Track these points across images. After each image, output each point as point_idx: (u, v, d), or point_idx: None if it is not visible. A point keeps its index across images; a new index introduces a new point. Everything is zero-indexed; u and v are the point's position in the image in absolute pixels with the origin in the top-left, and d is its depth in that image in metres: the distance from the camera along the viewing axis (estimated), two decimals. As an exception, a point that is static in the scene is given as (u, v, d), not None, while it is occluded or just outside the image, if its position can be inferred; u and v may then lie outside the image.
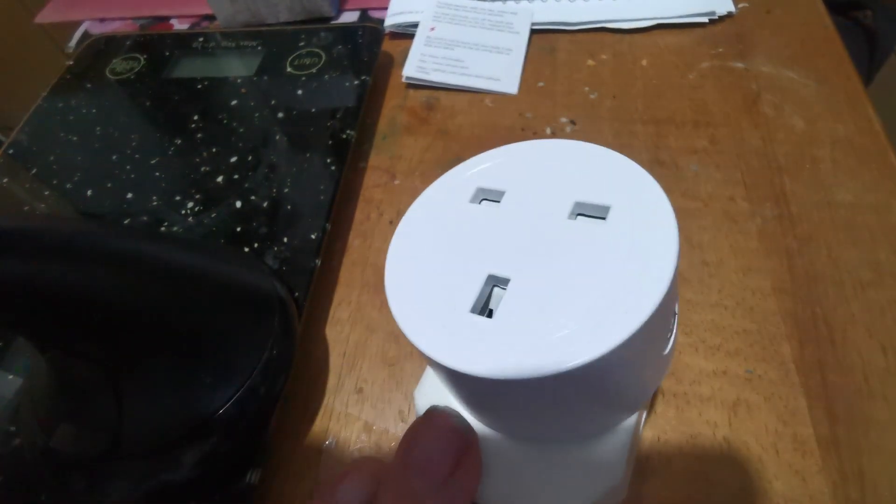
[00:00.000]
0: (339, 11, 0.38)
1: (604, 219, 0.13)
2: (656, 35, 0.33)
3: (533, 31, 0.34)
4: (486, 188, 0.15)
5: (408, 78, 0.33)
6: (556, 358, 0.11)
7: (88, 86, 0.34)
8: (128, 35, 0.37)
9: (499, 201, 0.15)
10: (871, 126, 0.27)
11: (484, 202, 0.15)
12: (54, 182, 0.30)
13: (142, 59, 0.35)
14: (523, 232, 0.14)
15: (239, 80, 0.32)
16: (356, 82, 0.31)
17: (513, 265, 0.13)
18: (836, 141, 0.26)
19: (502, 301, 0.13)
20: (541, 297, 0.12)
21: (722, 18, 0.33)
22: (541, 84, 0.32)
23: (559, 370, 0.11)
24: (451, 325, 0.13)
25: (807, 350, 0.21)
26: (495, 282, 0.13)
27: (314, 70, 0.32)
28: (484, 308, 0.13)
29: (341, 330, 0.24)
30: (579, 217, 0.14)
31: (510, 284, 0.13)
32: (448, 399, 0.16)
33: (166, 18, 0.41)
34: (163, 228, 0.26)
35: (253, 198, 0.27)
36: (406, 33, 0.35)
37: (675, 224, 0.12)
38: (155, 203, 0.27)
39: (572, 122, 0.29)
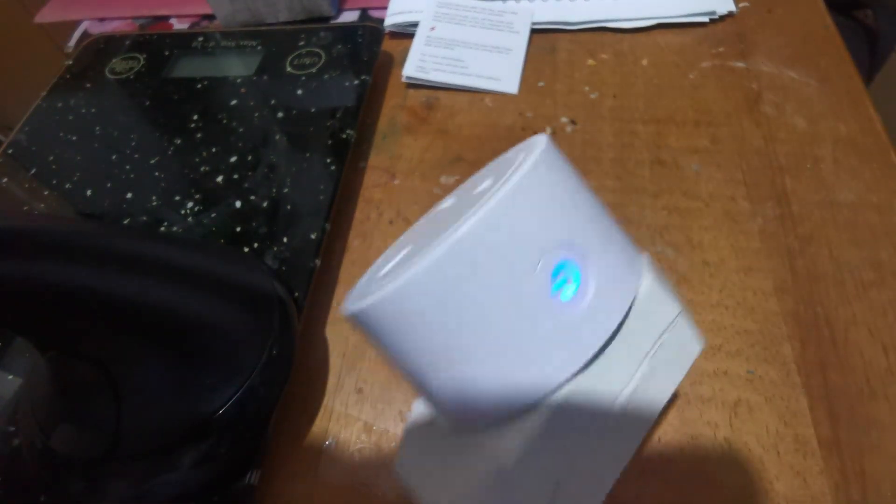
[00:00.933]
0: (339, 11, 0.38)
1: None
2: (657, 34, 0.33)
3: (533, 31, 0.34)
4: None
5: (408, 77, 0.32)
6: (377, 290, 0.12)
7: (88, 85, 0.34)
8: (127, 35, 0.37)
9: None
10: (873, 125, 0.27)
11: None
12: (54, 182, 0.30)
13: (141, 58, 0.35)
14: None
15: (238, 80, 0.32)
16: (356, 82, 0.31)
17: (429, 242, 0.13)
18: (838, 140, 0.26)
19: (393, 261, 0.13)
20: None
21: (723, 18, 0.33)
22: (541, 84, 0.31)
23: (371, 301, 0.12)
24: (364, 288, 0.13)
25: (808, 350, 0.21)
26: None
27: (314, 70, 0.32)
28: None
29: (341, 330, 0.24)
30: None
31: (407, 252, 0.13)
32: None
33: (166, 18, 0.41)
34: (162, 228, 0.26)
35: (252, 198, 0.27)
36: (406, 33, 0.35)
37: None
38: (154, 203, 0.27)
39: (573, 122, 0.29)
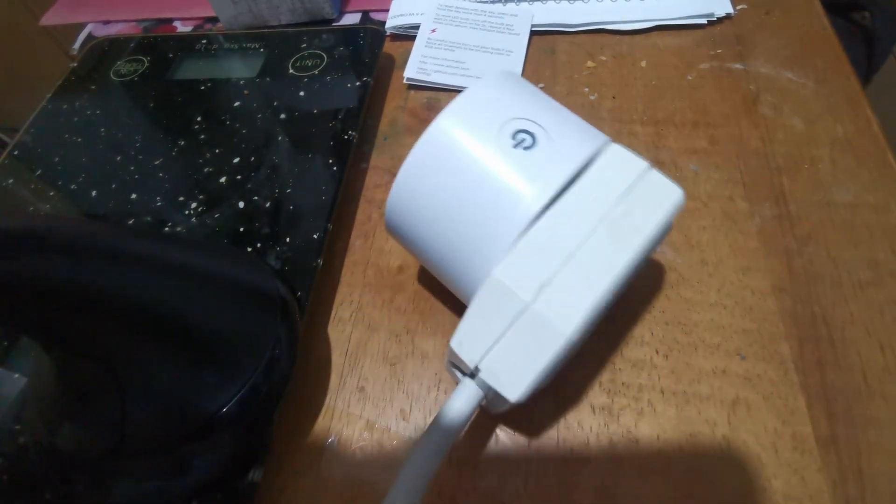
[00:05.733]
0: (341, 13, 0.39)
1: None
2: (655, 36, 0.33)
3: (533, 33, 0.34)
4: None
5: (409, 79, 0.33)
6: None
7: (92, 87, 0.35)
8: (131, 37, 0.37)
9: None
10: (870, 126, 0.27)
11: None
12: (59, 183, 0.30)
13: (145, 60, 0.35)
14: None
15: (241, 82, 0.32)
16: (358, 83, 0.31)
17: None
18: (835, 141, 0.27)
19: None
20: None
21: (720, 20, 0.33)
22: (541, 85, 0.32)
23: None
24: None
25: (806, 349, 0.21)
26: None
27: (316, 71, 0.32)
28: None
29: (343, 329, 0.24)
30: None
31: None
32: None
33: (170, 20, 0.42)
34: (166, 229, 0.27)
35: (255, 198, 0.27)
36: (407, 35, 0.36)
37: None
38: (158, 203, 0.28)
39: (572, 123, 0.30)
